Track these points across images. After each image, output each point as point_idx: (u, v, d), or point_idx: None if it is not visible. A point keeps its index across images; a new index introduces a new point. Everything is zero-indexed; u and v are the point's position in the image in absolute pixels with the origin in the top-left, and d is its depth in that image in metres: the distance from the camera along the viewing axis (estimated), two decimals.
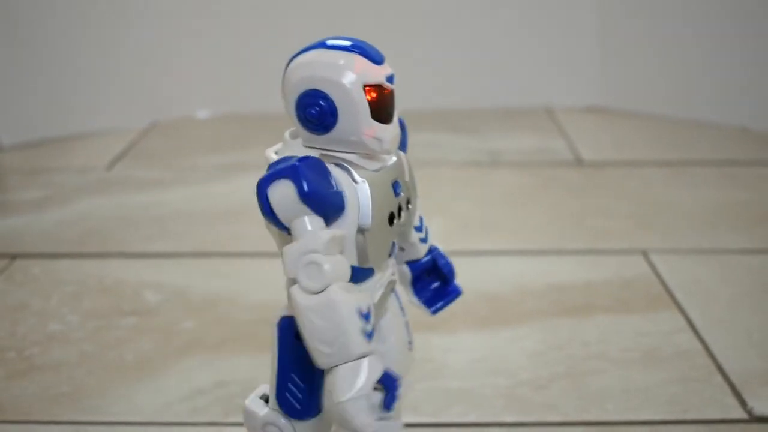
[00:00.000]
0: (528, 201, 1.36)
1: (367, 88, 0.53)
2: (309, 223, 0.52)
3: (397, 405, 0.53)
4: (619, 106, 1.86)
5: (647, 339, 0.96)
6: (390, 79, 0.54)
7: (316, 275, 0.51)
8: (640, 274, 1.11)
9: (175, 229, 1.24)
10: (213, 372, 0.90)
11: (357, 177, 0.54)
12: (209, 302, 1.04)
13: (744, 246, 1.18)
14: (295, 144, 0.56)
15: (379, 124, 0.53)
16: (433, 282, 0.67)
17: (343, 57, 0.53)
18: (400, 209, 0.57)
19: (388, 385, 0.52)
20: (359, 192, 0.54)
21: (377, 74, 0.53)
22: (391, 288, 0.60)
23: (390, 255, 0.58)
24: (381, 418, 0.52)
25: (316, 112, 0.53)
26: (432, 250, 0.66)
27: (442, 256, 0.67)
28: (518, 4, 1.85)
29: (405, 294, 0.67)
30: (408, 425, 0.80)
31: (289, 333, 0.56)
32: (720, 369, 0.89)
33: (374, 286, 0.57)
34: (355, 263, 0.54)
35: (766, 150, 1.59)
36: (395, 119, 0.55)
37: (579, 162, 1.55)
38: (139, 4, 1.74)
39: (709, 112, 1.75)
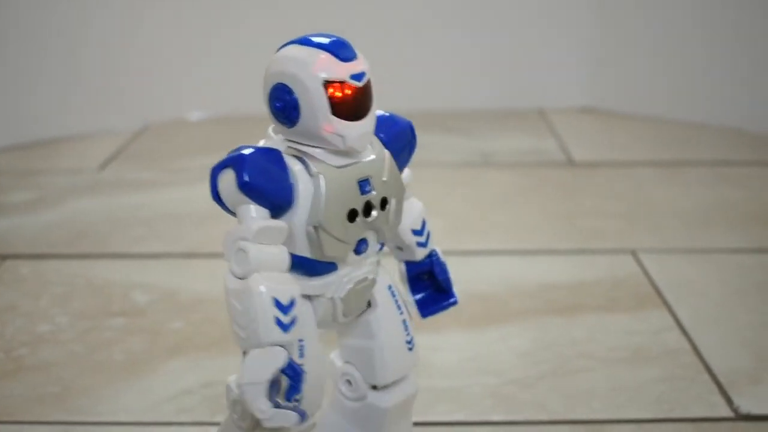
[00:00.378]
0: (519, 201, 1.37)
1: (329, 84, 0.54)
2: (251, 211, 0.54)
3: (306, 399, 0.56)
4: (611, 107, 1.86)
5: (635, 338, 0.96)
6: (357, 77, 0.55)
7: (243, 261, 0.53)
8: (629, 273, 1.11)
9: (164, 230, 1.24)
10: (201, 372, 0.90)
11: (313, 171, 0.55)
12: (198, 303, 1.04)
13: (735, 245, 1.19)
14: (277, 139, 0.57)
15: (341, 121, 0.54)
16: (431, 286, 0.67)
17: (309, 53, 0.54)
18: (369, 207, 0.57)
19: (291, 376, 0.54)
20: (315, 186, 0.55)
21: (341, 71, 0.54)
22: (368, 285, 0.60)
23: (360, 252, 0.58)
24: (278, 406, 0.54)
25: (281, 105, 0.55)
26: (431, 256, 0.66)
27: (440, 265, 0.66)
28: (511, 5, 1.85)
29: (399, 294, 0.66)
30: None
31: None
32: (707, 367, 0.89)
33: (340, 281, 0.58)
34: (308, 255, 0.56)
35: (760, 151, 1.59)
36: (368, 117, 0.56)
37: (571, 162, 1.55)
38: (132, 6, 1.74)
39: (703, 113, 1.75)
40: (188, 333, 0.98)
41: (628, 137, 1.70)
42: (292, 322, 0.54)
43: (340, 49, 0.55)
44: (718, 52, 1.73)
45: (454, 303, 0.67)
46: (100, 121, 1.75)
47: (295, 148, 0.56)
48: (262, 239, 0.54)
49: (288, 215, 0.55)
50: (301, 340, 0.56)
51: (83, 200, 1.39)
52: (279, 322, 0.53)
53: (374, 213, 0.57)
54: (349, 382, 0.64)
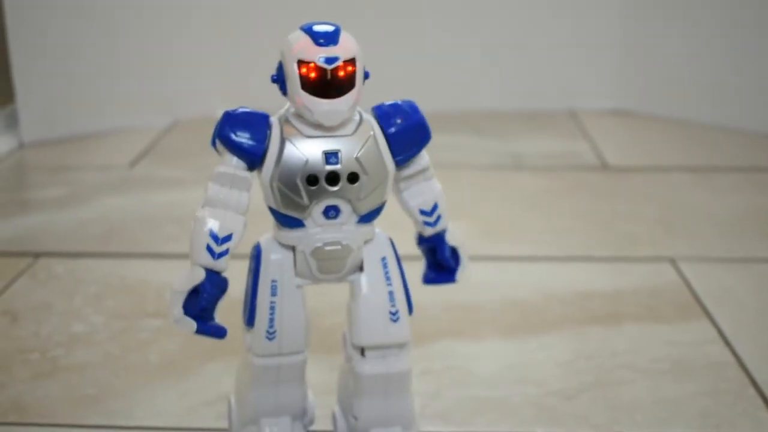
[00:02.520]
0: (552, 205, 1.35)
1: (302, 64, 0.62)
2: (226, 159, 0.65)
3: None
4: (643, 109, 1.84)
5: (677, 349, 0.94)
6: (328, 60, 0.62)
7: (204, 196, 0.65)
8: (668, 282, 1.09)
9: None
10: None
11: (284, 135, 0.64)
12: (235, 304, 1.02)
13: None
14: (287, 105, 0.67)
15: (310, 96, 0.62)
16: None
17: (297, 37, 0.63)
18: (334, 178, 0.64)
19: (202, 292, 0.64)
20: (280, 148, 0.64)
21: (312, 53, 0.62)
22: (342, 250, 0.66)
23: (329, 217, 0.65)
24: (185, 314, 0.65)
25: (276, 78, 0.65)
26: (439, 235, 0.70)
27: (444, 251, 0.71)
28: (542, 6, 1.84)
29: (393, 268, 0.69)
30: None
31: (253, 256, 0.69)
32: (753, 382, 0.88)
33: (309, 238, 0.66)
34: (274, 207, 0.65)
35: None
36: (342, 98, 0.63)
37: (604, 166, 1.53)
38: (165, 4, 1.74)
39: (734, 118, 1.73)
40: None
41: (660, 140, 1.69)
42: (224, 252, 0.64)
43: (320, 36, 0.62)
44: (750, 55, 1.71)
45: (452, 281, 0.72)
46: (129, 117, 1.74)
47: (287, 115, 0.65)
48: (223, 182, 0.65)
49: (260, 169, 0.65)
50: (274, 281, 0.67)
51: (114, 197, 1.39)
52: (210, 249, 0.64)
53: (342, 185, 0.64)
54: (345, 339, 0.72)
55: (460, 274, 0.72)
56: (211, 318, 0.66)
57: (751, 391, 0.86)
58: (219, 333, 0.67)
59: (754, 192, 1.40)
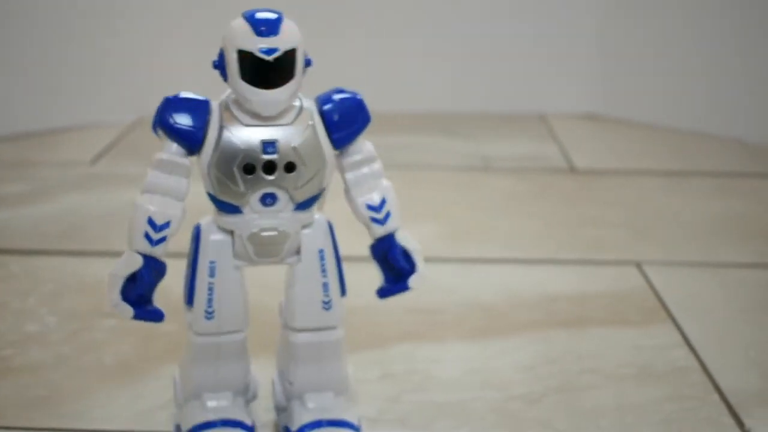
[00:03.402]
0: (520, 208, 1.34)
1: (241, 53, 0.62)
2: (165, 145, 0.66)
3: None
4: (613, 113, 1.84)
5: (642, 354, 0.93)
6: (267, 51, 0.61)
7: (144, 182, 0.66)
8: (634, 286, 1.08)
9: None
10: None
11: (223, 122, 0.64)
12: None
13: (740, 260, 1.16)
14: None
15: (247, 85, 0.62)
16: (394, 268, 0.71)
17: (238, 25, 0.63)
18: (271, 167, 0.64)
19: (138, 278, 0.66)
20: (218, 135, 0.64)
21: (252, 43, 0.62)
22: (278, 236, 0.67)
23: (266, 204, 0.66)
24: (123, 300, 0.67)
25: (216, 63, 0.64)
26: (389, 238, 0.70)
27: (395, 253, 0.70)
28: (513, 8, 1.83)
29: (330, 259, 0.70)
30: None
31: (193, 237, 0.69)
32: (717, 387, 0.87)
33: (246, 224, 0.66)
34: (211, 192, 0.66)
35: (760, 162, 1.57)
36: (280, 88, 0.62)
37: (572, 169, 1.52)
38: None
39: (704, 123, 1.73)
40: (182, 336, 0.93)
41: (629, 145, 1.68)
42: (162, 239, 0.65)
43: (261, 25, 0.62)
44: (720, 60, 1.71)
45: (405, 289, 0.71)
46: (93, 113, 1.71)
47: (227, 101, 0.65)
48: (162, 169, 0.65)
49: (199, 156, 0.65)
50: (212, 262, 0.68)
51: (75, 195, 1.36)
52: (147, 236, 0.65)
53: (278, 174, 0.65)
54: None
55: (415, 280, 0.71)
56: (150, 302, 0.68)
57: (715, 396, 0.85)
58: (157, 317, 0.69)
59: (723, 197, 1.40)
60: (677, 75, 1.76)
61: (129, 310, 0.67)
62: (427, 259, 1.12)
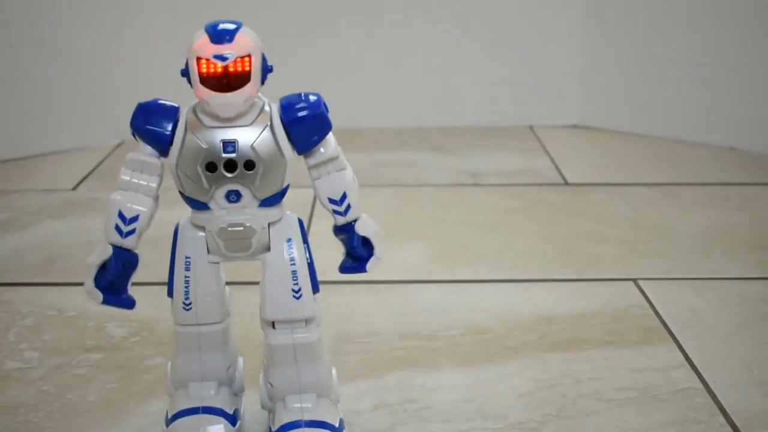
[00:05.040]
0: (512, 225, 1.31)
1: (199, 59, 0.66)
2: (138, 146, 0.71)
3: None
4: (603, 125, 1.82)
5: (643, 376, 0.90)
6: (220, 57, 0.66)
7: (117, 180, 0.71)
8: (632, 304, 1.06)
9: (142, 255, 1.17)
10: None
11: (188, 125, 0.69)
12: None
13: (739, 273, 1.14)
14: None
15: (207, 90, 0.66)
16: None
17: (198, 35, 0.67)
18: (232, 165, 0.68)
19: (108, 267, 0.71)
20: (185, 137, 0.69)
21: (208, 50, 0.66)
22: (245, 231, 0.70)
23: (231, 201, 0.69)
24: (96, 287, 0.71)
25: (183, 72, 0.68)
26: (349, 226, 0.74)
27: (353, 240, 0.74)
28: (500, 21, 1.81)
29: (298, 249, 0.73)
30: None
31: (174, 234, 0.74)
32: (721, 409, 0.84)
33: (214, 220, 0.70)
34: (180, 190, 0.70)
35: (754, 170, 1.55)
36: (236, 92, 0.66)
37: (564, 183, 1.50)
38: (105, 21, 1.68)
39: (694, 132, 1.71)
40: (167, 369, 0.91)
41: (620, 156, 1.66)
42: (131, 231, 0.71)
43: (216, 34, 0.66)
44: (708, 69, 1.69)
45: (362, 270, 0.75)
46: (74, 137, 1.68)
47: (195, 106, 0.70)
48: (134, 168, 0.71)
49: (168, 154, 0.70)
50: (188, 257, 0.72)
51: (56, 222, 1.33)
52: (118, 229, 0.71)
53: (240, 172, 0.69)
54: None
55: (372, 264, 0.75)
56: (124, 291, 0.73)
57: (721, 419, 0.83)
58: (127, 304, 0.73)
59: (718, 207, 1.37)
60: (665, 84, 1.74)
61: (99, 296, 0.71)
62: (418, 282, 1.11)
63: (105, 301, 0.72)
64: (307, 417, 0.73)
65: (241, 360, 0.80)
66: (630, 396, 0.87)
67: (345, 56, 1.79)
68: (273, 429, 0.74)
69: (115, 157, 1.65)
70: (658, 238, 1.26)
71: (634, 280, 1.11)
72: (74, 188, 1.48)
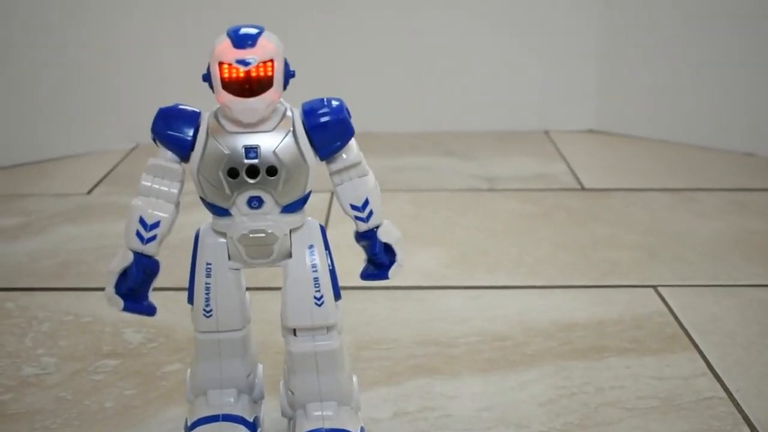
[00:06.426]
0: (529, 230, 1.30)
1: (222, 64, 0.65)
2: (159, 151, 0.70)
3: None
4: (619, 129, 1.81)
5: (664, 384, 0.89)
6: (242, 62, 0.65)
7: (138, 186, 0.71)
8: (652, 311, 1.05)
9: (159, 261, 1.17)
10: None
11: (209, 131, 0.68)
12: None
13: (760, 280, 1.13)
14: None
15: (228, 95, 0.66)
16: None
17: (220, 40, 0.66)
18: (254, 171, 0.68)
19: (129, 274, 0.70)
20: (207, 143, 0.68)
21: (230, 55, 0.65)
22: (267, 237, 0.70)
23: (252, 207, 0.69)
24: (116, 294, 0.70)
25: (205, 77, 0.67)
26: (371, 233, 0.73)
27: (374, 247, 0.73)
28: (516, 26, 1.80)
29: (320, 256, 0.72)
30: None
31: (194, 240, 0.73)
32: (746, 418, 0.83)
33: (236, 226, 0.70)
34: (201, 195, 0.70)
35: None
36: (259, 97, 0.66)
37: (580, 188, 1.49)
38: (121, 26, 1.68)
39: (712, 137, 1.70)
40: (185, 376, 0.91)
41: (637, 161, 1.64)
42: (152, 238, 0.70)
43: (239, 38, 0.65)
44: (726, 74, 1.67)
45: (385, 278, 0.74)
46: (88, 142, 1.68)
47: (216, 112, 0.69)
48: (155, 173, 0.70)
49: (190, 160, 0.69)
50: (209, 264, 0.71)
51: (71, 226, 1.33)
52: (139, 235, 0.70)
53: (262, 177, 0.68)
54: None
55: (395, 271, 0.74)
56: (145, 298, 0.72)
57: (745, 429, 0.82)
58: (148, 311, 0.72)
59: (738, 213, 1.36)
60: (682, 89, 1.72)
61: (120, 303, 0.71)
62: (436, 288, 1.10)
63: (126, 308, 0.71)
64: (328, 425, 0.72)
65: (260, 367, 0.79)
66: (652, 405, 0.86)
67: (359, 60, 1.79)
68: None
69: (129, 161, 1.64)
70: (677, 244, 1.25)
71: (654, 287, 1.10)
72: (89, 192, 1.48)
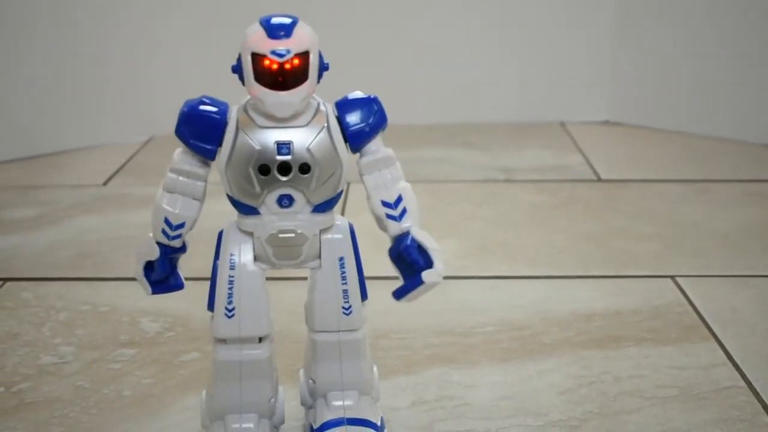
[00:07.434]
0: (546, 221, 1.30)
1: (255, 56, 0.62)
2: (181, 149, 0.68)
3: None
4: (635, 121, 1.80)
5: (683, 373, 0.89)
6: (278, 53, 0.62)
7: (163, 181, 0.69)
8: (670, 301, 1.04)
9: None
10: None
11: (239, 125, 0.65)
12: None
13: None
14: None
15: (261, 88, 0.63)
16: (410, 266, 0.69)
17: (252, 30, 0.63)
18: (286, 168, 0.65)
19: (156, 262, 0.69)
20: (237, 138, 0.65)
21: (265, 46, 0.62)
22: (296, 238, 0.67)
23: (283, 205, 0.66)
24: (145, 276, 0.70)
25: (235, 68, 0.65)
26: (405, 236, 0.68)
27: (409, 249, 0.68)
28: (532, 17, 1.79)
29: (350, 267, 0.70)
30: None
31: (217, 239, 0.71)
32: (765, 408, 0.83)
33: (264, 225, 0.67)
34: (229, 193, 0.67)
35: None
36: (293, 90, 0.63)
37: (597, 179, 1.48)
38: (136, 17, 1.68)
39: (728, 128, 1.69)
40: (203, 365, 0.91)
41: (653, 152, 1.64)
42: (177, 236, 0.69)
43: (272, 28, 0.63)
44: (742, 65, 1.66)
45: (419, 284, 0.68)
46: (104, 133, 1.68)
47: (246, 104, 0.66)
48: (180, 172, 0.68)
49: (217, 156, 0.67)
50: (232, 254, 0.69)
51: (88, 217, 1.33)
52: (164, 232, 0.69)
53: (294, 174, 0.65)
54: None
55: (430, 274, 0.68)
56: (172, 277, 0.71)
57: (765, 418, 0.81)
58: (176, 287, 0.72)
59: (755, 204, 1.35)
60: (698, 80, 1.72)
61: (148, 288, 0.71)
62: (453, 278, 1.10)
63: (155, 292, 0.71)
64: (349, 415, 0.72)
65: (281, 390, 0.76)
66: (672, 394, 0.85)
67: (374, 52, 1.79)
68: (314, 426, 0.72)
69: (145, 152, 1.64)
70: (695, 234, 1.24)
71: (672, 277, 1.10)
72: (105, 183, 1.48)
